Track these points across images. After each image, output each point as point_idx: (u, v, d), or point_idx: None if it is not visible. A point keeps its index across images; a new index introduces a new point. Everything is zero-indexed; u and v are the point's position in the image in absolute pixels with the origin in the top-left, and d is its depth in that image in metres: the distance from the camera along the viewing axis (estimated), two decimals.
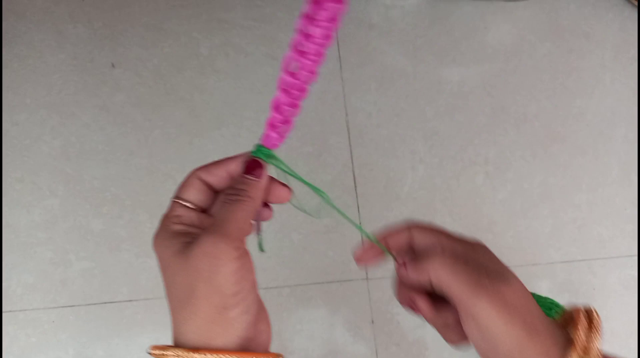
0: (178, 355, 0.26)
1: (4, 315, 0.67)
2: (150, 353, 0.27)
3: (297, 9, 0.88)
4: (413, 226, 0.33)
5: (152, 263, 0.70)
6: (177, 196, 0.30)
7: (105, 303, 0.69)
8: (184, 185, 0.30)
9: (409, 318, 0.69)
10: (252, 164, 0.31)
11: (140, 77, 0.77)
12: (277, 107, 0.31)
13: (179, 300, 0.27)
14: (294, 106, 0.31)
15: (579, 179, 0.76)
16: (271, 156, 0.32)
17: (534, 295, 0.30)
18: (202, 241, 0.26)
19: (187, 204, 0.30)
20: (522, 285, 0.29)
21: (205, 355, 0.25)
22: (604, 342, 0.76)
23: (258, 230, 0.32)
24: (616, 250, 0.74)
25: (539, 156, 0.77)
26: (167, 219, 0.29)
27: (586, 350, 0.27)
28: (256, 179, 0.30)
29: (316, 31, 0.28)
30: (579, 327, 0.28)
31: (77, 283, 0.69)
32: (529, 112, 0.78)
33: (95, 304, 0.68)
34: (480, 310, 0.27)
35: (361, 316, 0.69)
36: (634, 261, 0.73)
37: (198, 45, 0.79)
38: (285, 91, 0.31)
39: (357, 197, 0.73)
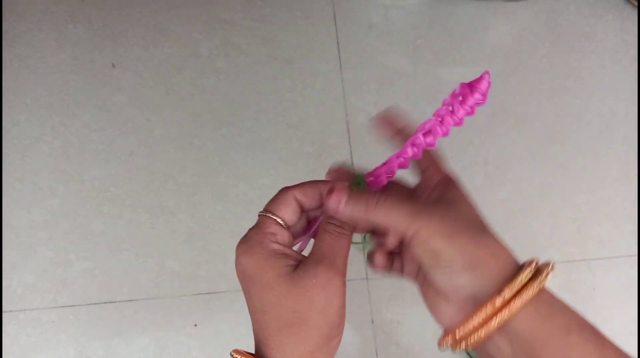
0: None
1: (4, 315, 0.68)
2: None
3: (297, 9, 0.89)
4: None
5: (152, 263, 0.70)
6: (272, 213, 0.30)
7: (106, 303, 0.69)
8: (278, 202, 0.30)
9: (409, 318, 0.69)
10: (333, 192, 0.30)
11: (140, 77, 0.77)
12: (405, 155, 0.33)
13: (285, 323, 0.27)
14: (416, 157, 0.34)
15: (579, 179, 0.76)
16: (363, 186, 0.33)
17: None
18: (318, 273, 0.27)
19: (281, 222, 0.30)
20: (471, 204, 0.31)
21: None
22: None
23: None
24: (616, 250, 0.74)
25: (539, 156, 0.77)
26: (261, 234, 0.29)
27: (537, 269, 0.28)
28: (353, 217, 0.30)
29: (460, 112, 0.31)
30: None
31: (77, 283, 0.69)
32: (529, 113, 0.78)
33: (95, 304, 0.68)
34: (427, 238, 0.27)
35: (361, 316, 0.69)
36: (634, 261, 0.73)
37: (198, 45, 0.79)
38: (414, 146, 0.33)
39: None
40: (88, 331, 0.68)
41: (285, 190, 0.30)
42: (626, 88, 0.80)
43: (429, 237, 0.27)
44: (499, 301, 0.26)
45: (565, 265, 0.73)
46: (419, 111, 0.78)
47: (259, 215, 0.30)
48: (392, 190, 0.35)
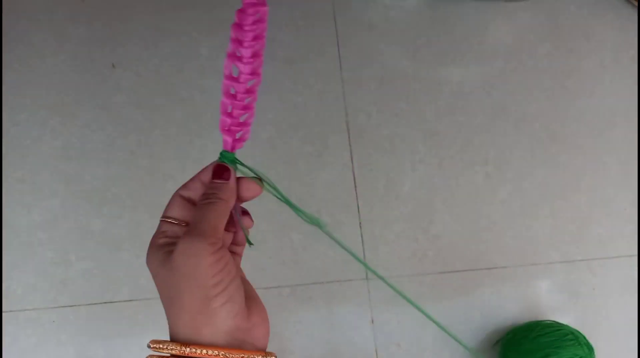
0: (172, 349, 0.27)
1: (4, 315, 0.68)
2: (149, 347, 0.29)
3: (298, 8, 0.89)
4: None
5: None
6: (163, 215, 0.33)
7: (106, 303, 0.69)
8: (167, 205, 0.34)
9: (409, 318, 0.69)
10: (219, 169, 0.34)
11: (140, 77, 0.77)
12: (223, 112, 0.34)
13: (169, 299, 0.29)
14: (245, 108, 0.34)
15: (579, 179, 0.76)
16: (235, 160, 0.35)
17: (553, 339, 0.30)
18: (180, 243, 0.28)
19: (171, 220, 0.32)
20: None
21: (195, 349, 0.27)
22: (605, 341, 0.75)
23: (239, 227, 0.34)
24: (616, 250, 0.74)
25: (539, 156, 0.77)
26: (154, 237, 0.32)
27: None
28: (224, 181, 0.33)
29: (246, 35, 0.31)
30: None
31: (77, 283, 0.69)
32: (529, 113, 0.78)
33: (95, 304, 0.69)
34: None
35: (361, 316, 0.69)
36: (634, 261, 0.73)
37: (198, 45, 0.79)
38: (228, 94, 0.33)
39: (357, 197, 0.73)
40: (88, 331, 0.68)
41: (173, 194, 0.34)
42: (626, 88, 0.80)
43: None
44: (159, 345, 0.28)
45: (565, 265, 0.73)
46: (418, 110, 0.78)
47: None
48: None
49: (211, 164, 0.35)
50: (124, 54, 0.78)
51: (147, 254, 0.31)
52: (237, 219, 0.34)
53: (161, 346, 0.28)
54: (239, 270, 0.33)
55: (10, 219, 0.71)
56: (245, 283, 0.32)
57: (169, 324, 0.29)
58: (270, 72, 0.78)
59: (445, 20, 0.82)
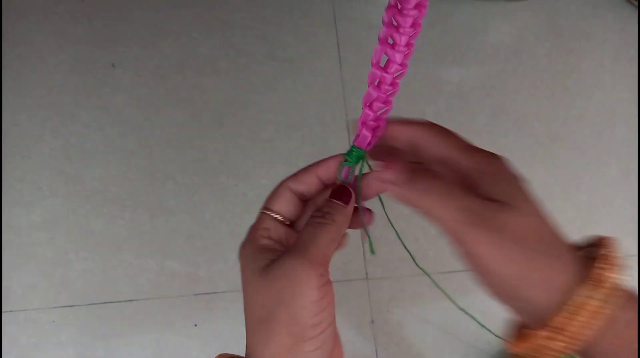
0: None
1: (4, 315, 0.68)
2: None
3: (297, 9, 0.89)
4: (424, 125, 0.30)
5: (152, 263, 0.70)
6: (266, 208, 0.28)
7: (106, 303, 0.69)
8: (272, 196, 0.29)
9: (409, 318, 0.69)
10: (340, 190, 0.28)
11: (140, 77, 0.77)
12: (369, 105, 0.29)
13: (257, 320, 0.25)
14: (386, 102, 0.29)
15: (579, 179, 0.76)
16: (363, 158, 0.30)
17: None
18: (284, 262, 0.25)
19: (277, 216, 0.28)
20: (534, 208, 0.27)
21: None
22: None
23: (365, 235, 0.31)
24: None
25: (539, 156, 0.77)
26: (255, 231, 0.28)
27: (600, 280, 0.24)
28: (343, 204, 0.28)
29: (405, 21, 0.26)
30: (601, 251, 0.25)
31: (77, 283, 0.69)
32: (529, 113, 0.78)
33: (95, 304, 0.68)
34: (472, 245, 0.25)
35: (361, 316, 0.69)
36: (634, 261, 0.73)
37: (198, 45, 0.79)
38: (376, 86, 0.28)
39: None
40: (88, 331, 0.67)
41: (280, 183, 0.29)
42: (626, 88, 0.80)
43: (479, 249, 0.25)
44: (546, 332, 0.24)
45: None
46: (419, 110, 0.78)
47: (260, 212, 0.29)
48: (445, 170, 0.31)
49: (331, 158, 0.29)
50: (124, 54, 0.78)
51: (243, 248, 0.27)
52: (365, 227, 0.30)
53: None
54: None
55: (10, 219, 0.71)
56: (334, 323, 0.29)
57: (248, 344, 0.26)
58: (270, 72, 0.78)
59: (445, 20, 0.82)
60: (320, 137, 0.75)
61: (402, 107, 0.79)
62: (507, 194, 0.26)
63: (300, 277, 0.24)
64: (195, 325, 0.68)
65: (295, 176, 0.29)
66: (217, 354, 0.27)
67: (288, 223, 0.29)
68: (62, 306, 0.68)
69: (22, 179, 0.72)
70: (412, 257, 0.35)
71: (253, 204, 0.72)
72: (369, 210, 0.31)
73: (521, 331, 0.26)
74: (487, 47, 0.81)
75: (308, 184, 0.29)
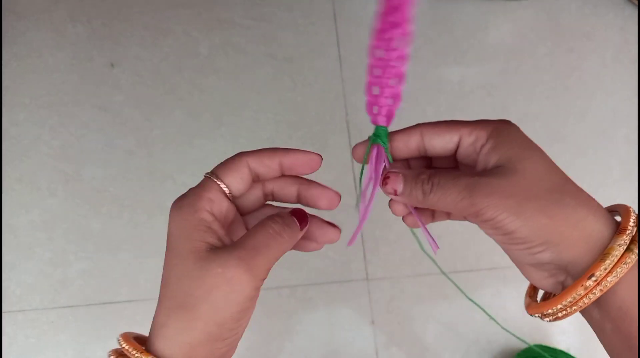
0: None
1: (3, 315, 0.67)
2: (119, 342, 0.25)
3: (297, 8, 0.88)
4: (423, 127, 0.29)
5: (151, 263, 0.70)
6: (217, 176, 0.27)
7: (105, 303, 0.68)
8: (226, 166, 0.27)
9: (410, 319, 0.69)
10: (300, 213, 0.28)
11: (139, 77, 0.77)
12: (368, 90, 0.29)
13: (176, 304, 0.24)
14: (383, 84, 0.29)
15: (580, 179, 0.75)
16: (385, 137, 0.29)
17: (547, 348, 0.29)
18: (227, 262, 0.24)
19: (225, 189, 0.27)
20: (536, 160, 0.27)
21: None
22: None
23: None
24: None
25: None
26: (197, 197, 0.26)
27: (631, 232, 0.24)
28: (299, 228, 0.28)
29: (391, 54, 0.26)
30: (618, 207, 0.26)
31: (76, 283, 0.69)
32: (530, 112, 0.78)
33: (94, 304, 0.68)
34: (489, 216, 0.25)
35: (361, 316, 0.69)
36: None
37: (198, 45, 0.78)
38: (372, 74, 0.28)
39: (357, 197, 0.73)
40: (87, 332, 0.67)
41: (239, 155, 0.27)
42: (627, 88, 0.79)
43: (496, 217, 0.24)
44: (590, 282, 0.23)
45: None
46: (419, 110, 0.78)
47: (204, 176, 0.27)
48: (445, 164, 0.31)
49: (300, 151, 0.28)
50: (123, 54, 0.77)
51: (178, 211, 0.26)
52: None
53: (137, 355, 0.24)
54: None
55: (9, 219, 0.71)
56: None
57: (158, 321, 0.25)
58: (270, 72, 0.78)
59: (446, 20, 0.81)
60: (320, 137, 0.75)
61: (403, 107, 0.79)
62: (507, 157, 0.27)
63: (239, 285, 0.24)
64: None
65: (258, 155, 0.28)
66: (120, 333, 0.26)
67: (231, 197, 0.27)
68: (61, 307, 0.68)
69: (20, 179, 0.72)
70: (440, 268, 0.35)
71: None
72: (334, 226, 0.31)
73: (550, 292, 0.26)
74: (488, 46, 0.81)
75: (268, 169, 0.28)
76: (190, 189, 0.27)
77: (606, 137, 0.77)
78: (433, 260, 0.35)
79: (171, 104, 0.76)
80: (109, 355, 0.25)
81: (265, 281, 0.26)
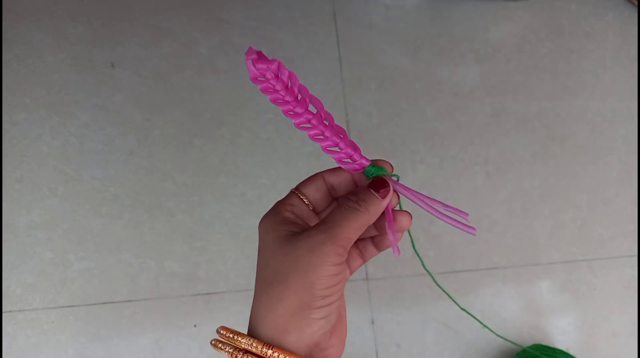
0: (250, 345, 0.25)
1: (3, 315, 0.67)
2: (218, 332, 0.27)
3: (298, 8, 0.88)
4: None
5: (151, 263, 0.70)
6: (297, 188, 0.31)
7: (105, 303, 0.68)
8: (305, 181, 0.31)
9: (410, 319, 0.69)
10: (379, 181, 0.30)
11: (140, 77, 0.77)
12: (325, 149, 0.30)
13: (268, 283, 0.27)
14: (325, 139, 0.29)
15: (580, 179, 0.76)
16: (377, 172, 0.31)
17: (547, 348, 0.29)
18: (310, 235, 0.26)
19: (303, 197, 0.30)
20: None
21: (277, 353, 0.25)
22: (605, 341, 0.75)
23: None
24: (616, 250, 0.74)
25: (540, 156, 0.76)
26: (280, 204, 0.29)
27: None
28: (378, 196, 0.29)
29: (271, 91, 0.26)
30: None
31: (76, 283, 0.69)
32: (530, 112, 0.78)
33: (94, 304, 0.68)
34: None
35: (361, 316, 0.69)
36: (634, 261, 0.73)
37: (198, 45, 0.78)
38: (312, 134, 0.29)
39: None
40: (87, 331, 0.67)
41: (316, 173, 0.31)
42: (627, 88, 0.80)
43: None
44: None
45: (565, 265, 0.73)
46: (419, 110, 0.78)
47: (290, 191, 0.31)
48: None
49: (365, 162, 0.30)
50: (124, 54, 0.77)
51: (265, 218, 0.29)
52: (390, 225, 0.30)
53: (237, 338, 0.26)
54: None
55: (9, 219, 0.71)
56: (342, 300, 0.30)
57: (253, 308, 0.27)
58: None
59: (446, 20, 0.82)
60: None
61: (403, 107, 0.79)
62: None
63: (322, 250, 0.26)
64: (195, 326, 0.68)
65: (332, 169, 0.31)
66: (219, 326, 0.27)
67: (312, 208, 0.30)
68: (61, 307, 0.68)
69: (21, 179, 0.72)
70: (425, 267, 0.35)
71: (252, 204, 0.72)
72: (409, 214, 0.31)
73: None
74: (488, 46, 0.81)
75: (342, 178, 0.31)
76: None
77: (606, 137, 0.77)
78: (428, 271, 0.35)
79: (172, 104, 0.76)
80: (212, 344, 0.27)
81: None
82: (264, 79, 0.25)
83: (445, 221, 0.30)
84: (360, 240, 0.33)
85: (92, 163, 0.73)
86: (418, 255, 0.35)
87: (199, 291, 0.69)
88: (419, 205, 0.31)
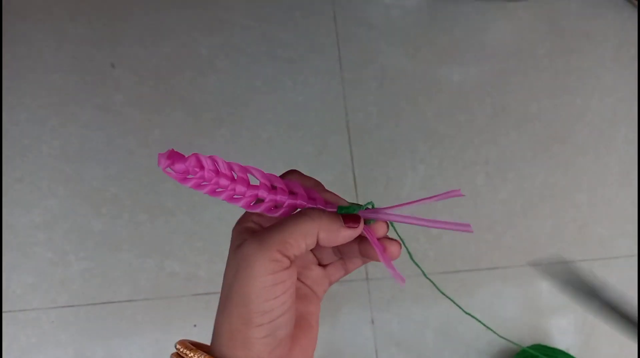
0: None
1: (3, 315, 0.67)
2: (176, 347, 0.26)
3: (298, 8, 0.88)
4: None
5: (151, 263, 0.70)
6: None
7: (105, 303, 0.68)
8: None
9: (409, 319, 0.69)
10: (350, 217, 0.27)
11: (140, 77, 0.77)
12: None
13: (222, 297, 0.26)
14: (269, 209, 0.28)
15: (580, 179, 0.76)
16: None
17: (547, 348, 0.28)
18: (246, 244, 0.25)
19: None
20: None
21: None
22: (606, 342, 0.75)
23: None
24: (616, 250, 0.74)
25: (540, 156, 0.76)
26: (246, 214, 0.28)
27: None
28: (320, 207, 0.27)
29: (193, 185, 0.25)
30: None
31: (76, 283, 0.69)
32: (529, 112, 0.78)
33: (95, 304, 0.68)
34: None
35: (361, 316, 0.69)
36: (634, 261, 0.73)
37: (198, 45, 0.78)
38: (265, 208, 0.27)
39: (357, 197, 0.73)
40: (87, 331, 0.67)
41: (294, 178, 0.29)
42: (627, 88, 0.80)
43: None
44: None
45: (565, 265, 0.73)
46: (418, 110, 0.78)
47: None
48: None
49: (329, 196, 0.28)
50: (124, 54, 0.77)
51: (234, 227, 0.28)
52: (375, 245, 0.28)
53: (189, 354, 0.25)
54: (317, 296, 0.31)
55: (9, 219, 0.71)
56: (312, 304, 0.29)
57: (215, 321, 0.26)
58: (270, 72, 0.78)
59: (445, 20, 0.82)
60: (320, 137, 0.75)
61: (403, 106, 0.79)
62: None
63: (254, 259, 0.24)
64: (195, 326, 0.68)
65: (306, 176, 0.29)
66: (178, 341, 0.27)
67: (278, 215, 0.28)
68: (61, 307, 0.68)
69: (21, 179, 0.72)
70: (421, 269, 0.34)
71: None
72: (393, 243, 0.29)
73: None
74: (488, 46, 0.81)
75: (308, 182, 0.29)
76: None
77: (605, 137, 0.78)
78: (431, 281, 0.34)
79: (172, 104, 0.76)
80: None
81: None
82: (191, 176, 0.24)
83: (438, 228, 0.29)
84: (346, 250, 0.30)
85: (92, 163, 0.73)
86: (418, 266, 0.33)
87: (199, 291, 0.69)
88: (408, 222, 0.29)
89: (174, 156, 0.23)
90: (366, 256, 0.29)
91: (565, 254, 0.73)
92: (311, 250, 0.30)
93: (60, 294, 0.68)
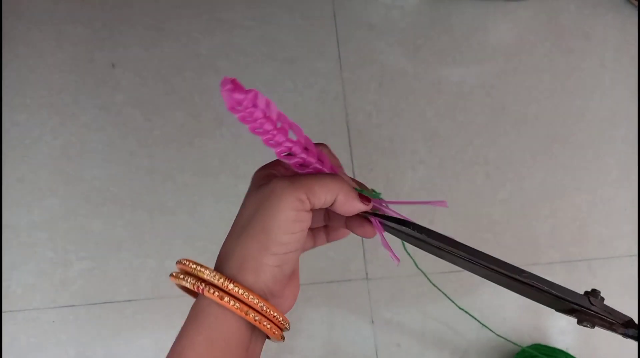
0: (214, 276, 0.26)
1: (3, 315, 0.67)
2: (182, 264, 0.27)
3: (298, 9, 0.89)
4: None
5: (152, 263, 0.70)
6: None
7: (105, 303, 0.68)
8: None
9: (409, 318, 0.69)
10: (364, 196, 0.31)
11: (140, 77, 0.77)
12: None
13: (239, 227, 0.28)
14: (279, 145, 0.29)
15: (579, 179, 0.76)
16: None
17: (546, 348, 0.29)
18: (276, 181, 0.27)
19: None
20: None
21: (237, 288, 0.26)
22: (606, 343, 0.75)
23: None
24: (616, 250, 0.74)
25: (539, 156, 0.76)
26: (276, 163, 0.31)
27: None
28: (365, 202, 0.30)
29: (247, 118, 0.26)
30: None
31: (77, 283, 0.69)
32: (529, 113, 0.78)
33: (95, 304, 0.68)
34: None
35: (361, 316, 0.69)
36: (634, 261, 0.73)
37: (198, 45, 0.78)
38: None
39: None
40: (88, 331, 0.67)
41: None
42: (626, 88, 0.80)
43: None
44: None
45: (565, 265, 0.73)
46: (419, 110, 0.78)
47: None
48: None
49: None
50: (124, 54, 0.78)
51: (259, 170, 0.31)
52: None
53: (200, 269, 0.26)
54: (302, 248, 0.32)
55: (9, 219, 0.71)
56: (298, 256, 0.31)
57: (221, 249, 0.28)
58: (270, 73, 0.78)
59: (445, 20, 0.82)
60: (320, 137, 0.75)
61: (403, 107, 0.79)
62: None
63: (281, 194, 0.26)
64: None
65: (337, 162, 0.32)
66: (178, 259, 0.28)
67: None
68: (61, 306, 0.68)
69: (21, 179, 0.72)
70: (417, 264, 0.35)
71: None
72: (370, 221, 0.32)
73: None
74: (487, 46, 0.81)
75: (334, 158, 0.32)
76: None
77: (605, 137, 0.78)
78: (423, 272, 0.35)
79: (172, 104, 0.76)
80: (172, 276, 0.28)
81: None
82: (241, 108, 0.25)
83: (416, 203, 0.32)
84: (336, 218, 0.33)
85: (92, 163, 0.73)
86: (410, 255, 0.36)
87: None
88: (399, 217, 0.32)
89: (236, 85, 0.24)
90: (349, 229, 0.33)
91: (565, 254, 0.73)
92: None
93: (60, 294, 0.68)
